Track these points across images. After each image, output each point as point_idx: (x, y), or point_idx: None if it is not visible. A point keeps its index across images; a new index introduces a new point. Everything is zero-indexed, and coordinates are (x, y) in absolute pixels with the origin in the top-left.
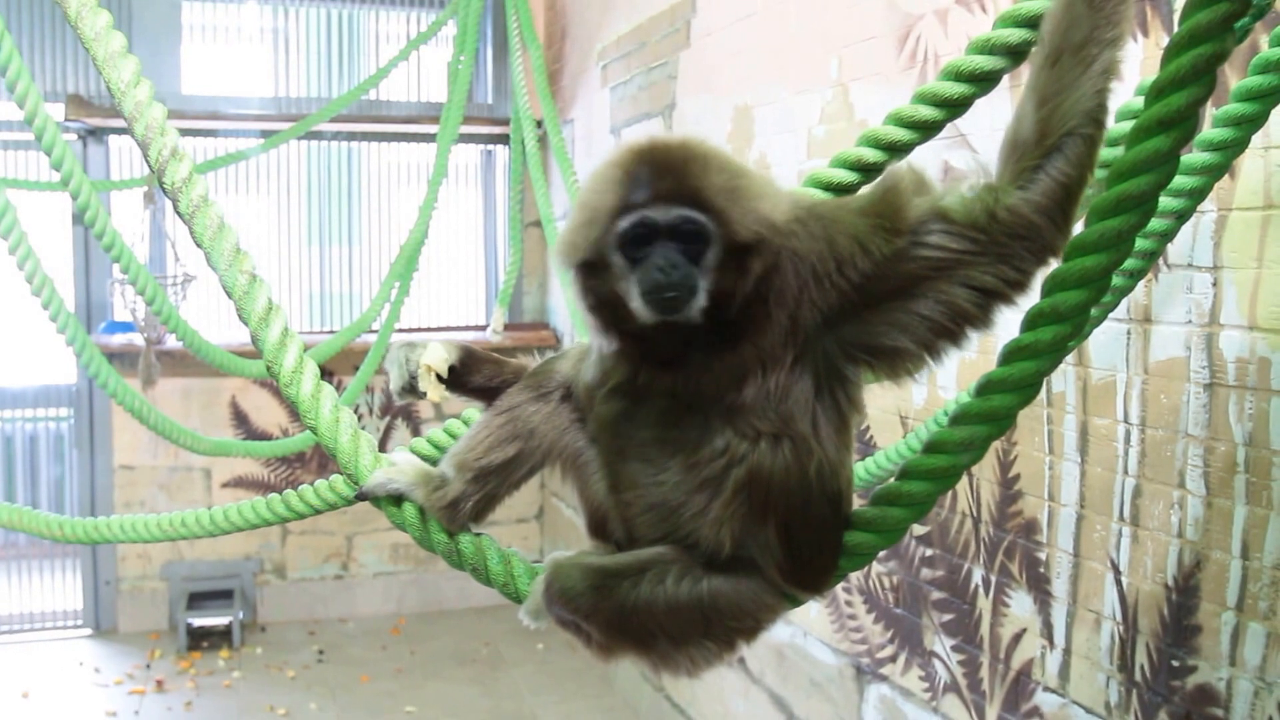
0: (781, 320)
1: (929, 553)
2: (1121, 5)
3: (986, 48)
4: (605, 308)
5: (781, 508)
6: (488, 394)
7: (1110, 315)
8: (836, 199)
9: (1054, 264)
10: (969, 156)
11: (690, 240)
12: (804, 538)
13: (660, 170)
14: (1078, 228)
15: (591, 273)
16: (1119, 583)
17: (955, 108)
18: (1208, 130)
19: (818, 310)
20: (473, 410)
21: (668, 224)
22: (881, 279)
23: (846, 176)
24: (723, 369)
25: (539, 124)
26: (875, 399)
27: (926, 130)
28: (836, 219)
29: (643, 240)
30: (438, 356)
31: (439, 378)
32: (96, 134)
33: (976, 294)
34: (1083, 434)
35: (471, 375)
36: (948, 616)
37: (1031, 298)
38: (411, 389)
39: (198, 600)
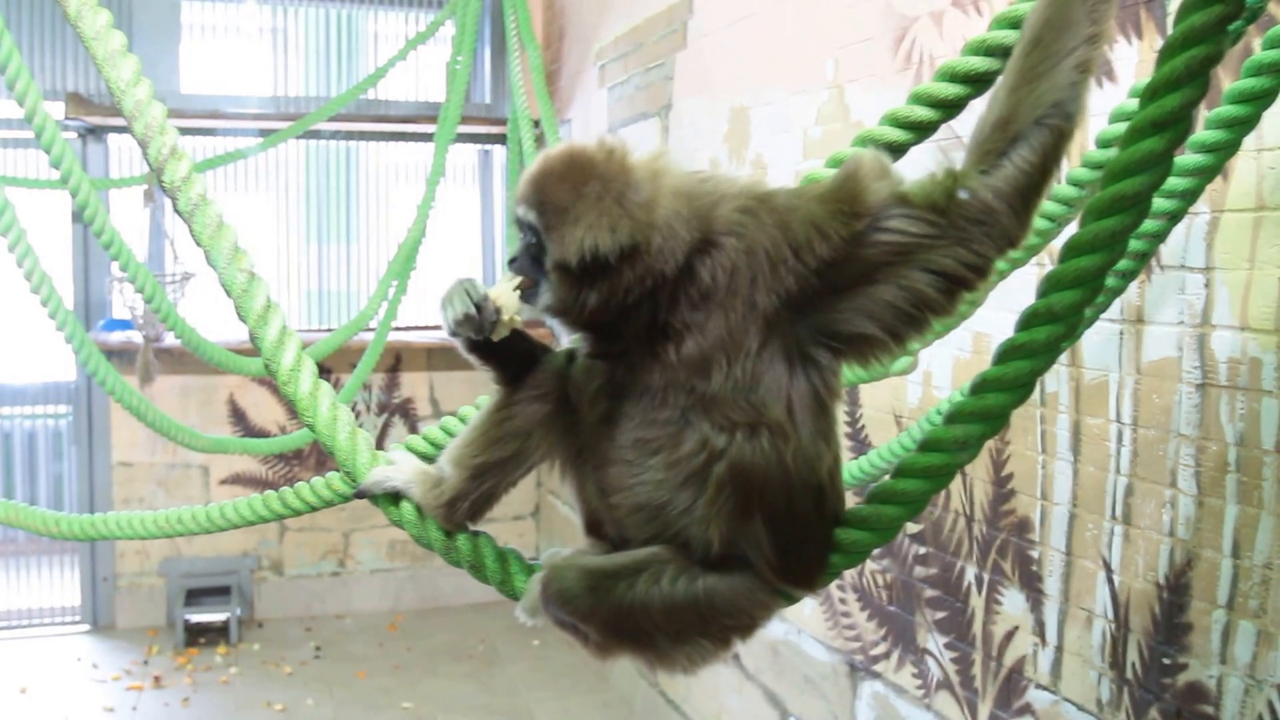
0: (736, 307)
1: (922, 551)
2: (1105, 4)
3: (982, 49)
4: None
5: (765, 503)
6: (505, 365)
7: (1103, 315)
8: (796, 188)
9: (1014, 252)
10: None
11: (534, 238)
12: (790, 532)
13: (535, 172)
14: (1071, 228)
15: None
16: (1111, 581)
17: (951, 109)
18: (1201, 132)
19: (775, 296)
20: (469, 408)
21: (523, 220)
22: (843, 264)
23: None
24: (682, 360)
25: (536, 124)
26: (871, 397)
27: (922, 131)
28: (792, 206)
29: (519, 229)
30: (512, 301)
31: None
32: (96, 132)
33: (936, 278)
34: (1075, 433)
35: (509, 340)
36: (941, 614)
37: (1010, 298)
38: (467, 320)
39: (195, 597)
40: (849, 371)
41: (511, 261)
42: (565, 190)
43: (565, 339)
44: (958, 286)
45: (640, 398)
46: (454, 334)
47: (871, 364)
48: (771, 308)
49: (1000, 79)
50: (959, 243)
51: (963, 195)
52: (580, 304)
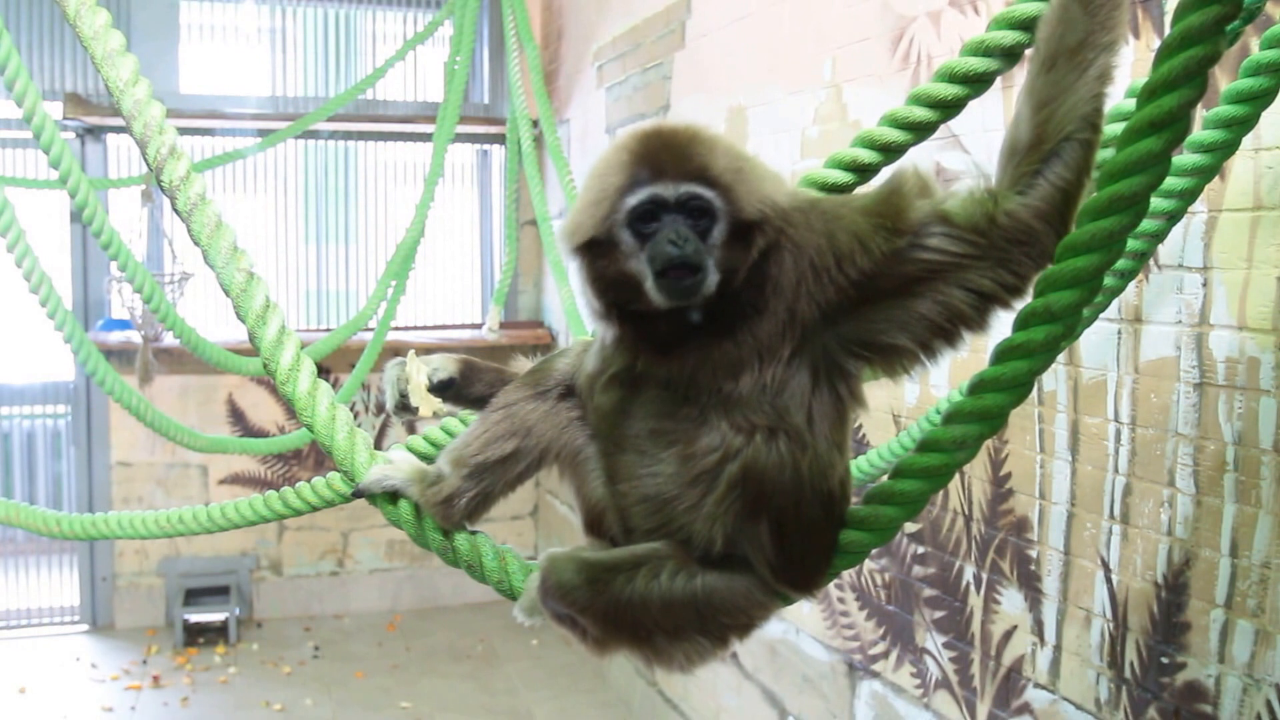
0: (779, 312)
1: (921, 550)
2: (1116, 10)
3: (980, 49)
4: (612, 289)
5: (774, 506)
6: (480, 402)
7: (1101, 315)
8: (840, 196)
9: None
10: (962, 158)
11: (698, 216)
12: (796, 537)
13: (667, 150)
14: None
15: (600, 252)
16: (1109, 580)
17: (949, 109)
18: (1199, 132)
19: (815, 305)
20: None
21: (676, 199)
22: (881, 277)
23: (842, 177)
24: (720, 359)
25: (535, 124)
26: (869, 398)
27: (920, 131)
28: (839, 215)
29: (650, 216)
30: (421, 369)
31: (430, 390)
32: (94, 132)
33: (974, 297)
34: (1074, 433)
35: (473, 386)
36: (939, 613)
37: (1025, 301)
38: (405, 406)
39: (194, 596)
40: (868, 372)
41: (683, 244)
42: (728, 159)
43: (565, 339)
44: (993, 304)
45: (661, 389)
46: (399, 417)
47: (898, 373)
48: (810, 317)
49: (1023, 95)
50: (1000, 264)
51: (1003, 216)
52: (745, 262)
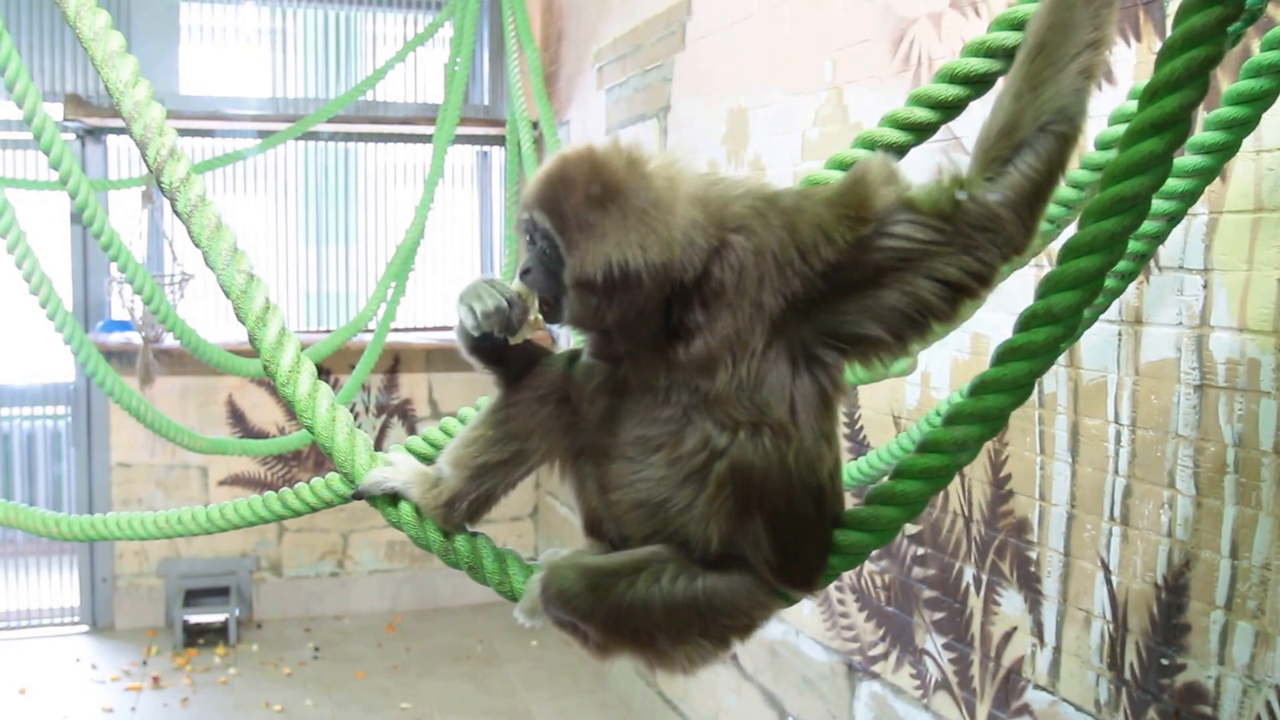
0: (744, 307)
1: (921, 551)
2: (1106, 9)
3: (981, 50)
4: None
5: (766, 503)
6: (508, 368)
7: (1102, 317)
8: (803, 189)
9: (1018, 260)
10: (963, 159)
11: (551, 253)
12: (790, 533)
13: (552, 177)
14: (1070, 229)
15: None
16: (1109, 581)
17: (950, 110)
18: (1200, 133)
19: (781, 298)
20: (468, 409)
21: (538, 229)
22: (848, 268)
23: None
24: (689, 359)
25: (535, 125)
26: (869, 399)
27: (921, 132)
28: (800, 209)
29: (531, 238)
30: (533, 302)
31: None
32: (95, 133)
33: (941, 287)
34: (1074, 434)
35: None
36: (939, 615)
37: (1008, 300)
38: (497, 313)
39: (194, 597)
40: (849, 372)
41: (525, 273)
42: (588, 203)
43: (566, 341)
44: (961, 294)
45: (643, 395)
46: (477, 329)
47: (873, 364)
48: (777, 309)
49: (1004, 85)
50: (964, 250)
51: (969, 203)
52: (599, 316)
